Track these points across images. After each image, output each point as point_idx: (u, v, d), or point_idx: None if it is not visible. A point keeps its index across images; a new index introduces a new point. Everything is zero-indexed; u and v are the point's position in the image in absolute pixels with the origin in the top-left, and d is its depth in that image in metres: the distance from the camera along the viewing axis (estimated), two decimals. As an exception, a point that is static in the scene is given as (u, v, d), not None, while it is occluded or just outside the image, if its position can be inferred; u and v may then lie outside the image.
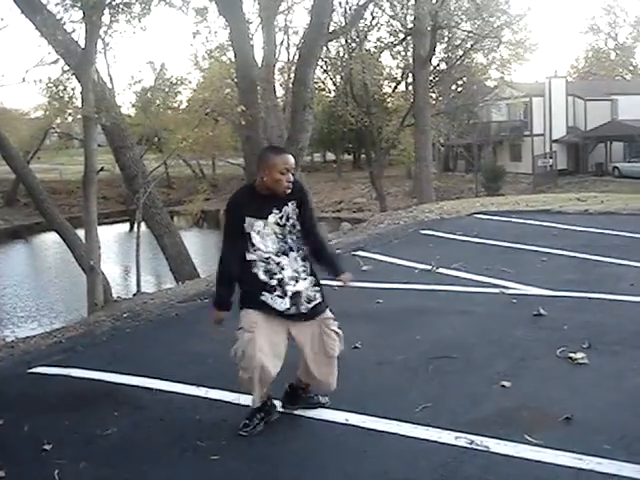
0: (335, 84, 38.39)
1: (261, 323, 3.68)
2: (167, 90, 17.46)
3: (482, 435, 3.56)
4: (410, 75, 33.06)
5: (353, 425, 3.81)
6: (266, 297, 3.70)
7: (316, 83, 27.01)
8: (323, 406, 4.02)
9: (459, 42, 32.84)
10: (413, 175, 35.82)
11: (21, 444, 3.90)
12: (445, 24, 27.35)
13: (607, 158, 41.16)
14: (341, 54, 33.73)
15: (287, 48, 29.67)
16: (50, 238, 26.83)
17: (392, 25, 32.55)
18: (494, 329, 5.54)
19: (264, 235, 3.72)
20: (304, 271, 3.81)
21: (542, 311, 5.76)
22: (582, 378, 4.36)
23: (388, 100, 39.48)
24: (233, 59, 15.55)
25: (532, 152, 41.27)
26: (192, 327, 6.29)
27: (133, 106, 21.12)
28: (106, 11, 9.63)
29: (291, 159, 3.77)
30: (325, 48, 27.37)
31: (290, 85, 21.73)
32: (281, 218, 3.76)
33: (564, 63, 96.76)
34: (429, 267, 7.89)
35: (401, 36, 32.10)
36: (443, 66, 35.79)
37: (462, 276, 7.47)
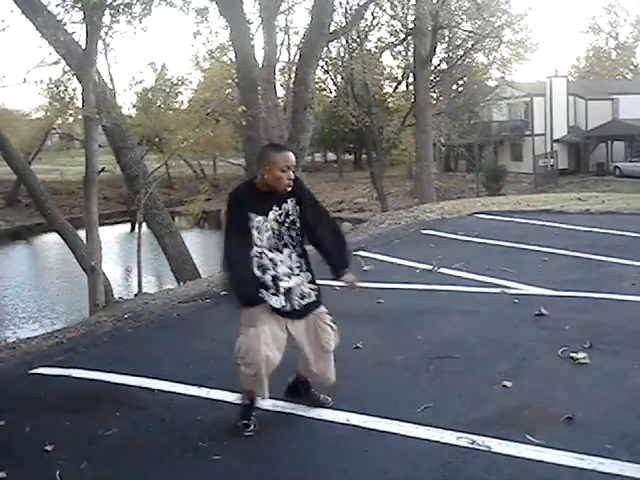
0: (336, 84, 38.42)
1: (263, 318, 3.68)
2: (168, 90, 17.51)
3: (484, 435, 3.56)
4: (411, 75, 33.09)
5: (354, 425, 3.81)
6: (263, 294, 3.70)
7: (317, 83, 26.99)
8: (324, 406, 4.02)
9: (460, 42, 32.83)
10: (414, 175, 35.85)
11: (22, 445, 3.90)
12: (446, 24, 27.34)
13: (608, 158, 41.13)
14: (342, 54, 33.74)
15: (288, 48, 29.71)
16: (51, 239, 26.85)
17: (393, 25, 32.56)
18: (495, 329, 5.53)
19: (261, 230, 3.73)
20: (298, 267, 3.82)
21: (544, 311, 5.76)
22: (584, 378, 4.36)
23: (389, 100, 39.45)
24: (234, 59, 15.58)
25: (533, 152, 41.24)
26: (193, 327, 6.30)
27: (134, 107, 21.19)
28: (107, 12, 9.64)
29: (292, 156, 3.77)
30: (326, 48, 27.35)
31: (291, 85, 21.73)
32: (280, 215, 3.77)
33: (565, 63, 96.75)
34: (430, 267, 7.88)
35: (402, 36, 32.08)
36: (444, 66, 35.77)
37: (463, 276, 7.46)
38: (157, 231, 14.26)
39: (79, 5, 9.55)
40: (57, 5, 10.61)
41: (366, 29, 32.26)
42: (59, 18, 10.86)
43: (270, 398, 3.98)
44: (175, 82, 17.42)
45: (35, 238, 36.49)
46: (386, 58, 42.29)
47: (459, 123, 37.72)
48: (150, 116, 16.01)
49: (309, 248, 3.95)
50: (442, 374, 4.53)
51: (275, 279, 3.72)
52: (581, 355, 4.65)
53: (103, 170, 10.75)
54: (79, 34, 10.98)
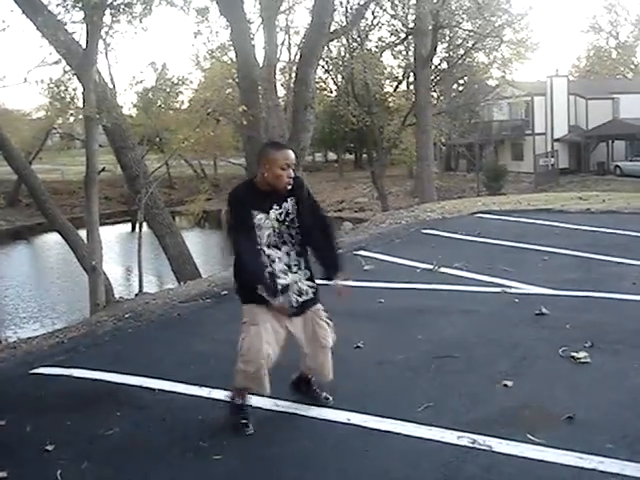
0: (336, 84, 38.43)
1: (263, 315, 3.70)
2: (168, 90, 17.48)
3: (484, 434, 3.55)
4: (411, 74, 33.11)
5: (355, 425, 3.81)
6: (261, 291, 3.71)
7: (317, 83, 26.96)
8: (325, 405, 4.02)
9: (460, 41, 32.82)
10: (415, 174, 35.87)
11: (23, 444, 3.90)
12: (446, 23, 27.33)
13: (609, 157, 41.12)
14: (342, 54, 33.76)
15: (288, 48, 29.76)
16: (52, 239, 26.85)
17: (393, 25, 32.55)
18: (496, 328, 5.53)
19: (262, 228, 3.73)
20: (296, 265, 3.83)
21: (544, 310, 5.76)
22: (584, 377, 4.35)
23: (389, 100, 39.46)
24: (234, 59, 15.59)
25: (534, 151, 41.22)
26: (194, 327, 6.30)
27: (134, 106, 21.15)
28: (107, 12, 9.63)
29: (291, 154, 3.76)
30: (326, 48, 27.37)
31: (291, 85, 21.73)
32: (281, 214, 3.77)
33: (565, 62, 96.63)
34: (431, 266, 7.88)
35: (402, 35, 32.07)
36: (444, 65, 35.77)
37: (464, 275, 7.46)
38: (158, 231, 14.27)
39: (79, 5, 9.54)
40: (57, 5, 10.61)
41: (367, 28, 32.27)
42: (59, 18, 10.86)
43: (271, 398, 3.99)
44: (176, 82, 17.38)
45: (36, 238, 36.49)
46: (387, 58, 42.41)
47: (460, 122, 37.71)
48: (151, 116, 16.00)
49: None
50: (443, 373, 4.53)
51: (272, 276, 3.71)
52: (582, 354, 4.64)
53: (104, 170, 10.75)
54: (79, 34, 11.00)
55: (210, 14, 20.16)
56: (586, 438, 3.48)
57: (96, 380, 4.86)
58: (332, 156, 57.63)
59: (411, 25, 29.04)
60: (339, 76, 36.93)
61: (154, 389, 4.55)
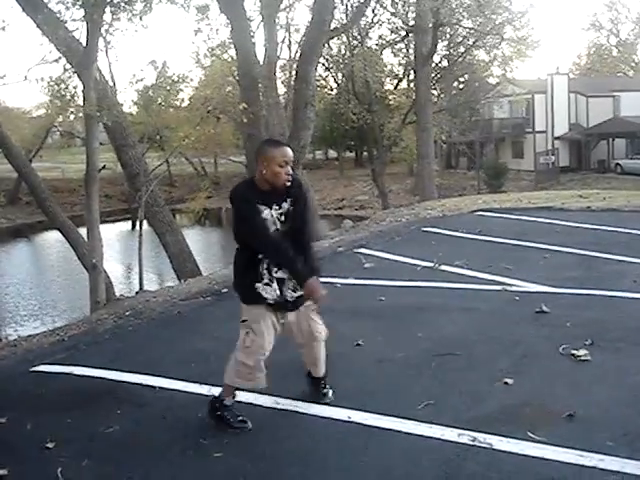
0: (337, 82, 38.41)
1: (264, 313, 3.76)
2: (169, 88, 17.50)
3: (485, 432, 3.56)
4: (412, 72, 33.07)
5: (355, 422, 3.81)
6: (258, 287, 3.73)
7: (318, 81, 26.92)
8: (326, 403, 4.03)
9: (461, 39, 32.76)
10: (415, 172, 35.85)
11: (24, 442, 3.90)
12: (447, 21, 27.26)
13: (609, 155, 41.12)
14: (343, 51, 33.73)
15: (289, 46, 29.66)
16: (52, 236, 26.85)
17: (393, 22, 32.51)
18: (496, 326, 5.53)
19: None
20: None
21: (545, 308, 5.75)
22: (585, 375, 4.35)
23: (390, 97, 39.41)
24: (235, 57, 15.58)
25: (534, 149, 41.22)
26: (194, 325, 6.30)
27: (135, 104, 21.17)
28: (107, 9, 9.62)
29: (289, 151, 3.75)
30: (327, 45, 27.36)
31: (292, 83, 21.71)
32: (281, 214, 3.77)
33: (566, 60, 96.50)
34: (431, 264, 7.88)
35: (403, 33, 32.05)
36: (445, 63, 35.76)
37: (464, 273, 7.46)
38: (158, 229, 14.26)
39: (80, 2, 9.54)
40: (58, 2, 10.62)
41: (367, 26, 32.20)
42: (60, 16, 10.86)
43: (272, 395, 4.00)
44: (176, 80, 17.41)
45: (36, 236, 36.48)
46: (387, 55, 42.45)
47: (460, 120, 37.69)
48: (151, 114, 16.02)
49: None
50: (443, 371, 4.53)
51: (269, 267, 3.74)
52: (582, 352, 4.64)
53: (104, 168, 10.73)
54: (80, 32, 10.98)
55: (210, 12, 20.17)
56: (586, 436, 3.48)
57: (96, 378, 4.87)
58: (332, 154, 57.59)
59: (411, 23, 28.98)
60: (339, 74, 36.91)
61: (154, 387, 4.55)
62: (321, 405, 4.02)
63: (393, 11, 31.23)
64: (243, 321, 3.79)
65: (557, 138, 41.90)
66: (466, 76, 38.07)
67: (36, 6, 10.68)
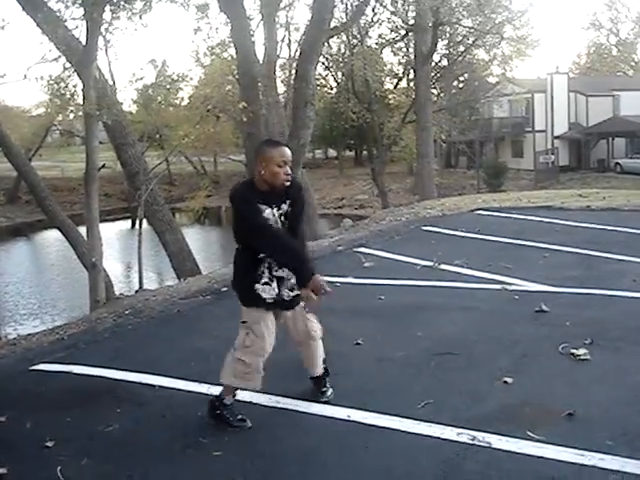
0: (336, 80, 38.43)
1: (263, 314, 3.77)
2: (168, 87, 17.48)
3: (484, 431, 3.56)
4: (411, 71, 33.08)
5: (355, 421, 3.81)
6: (258, 289, 3.74)
7: (317, 80, 26.95)
8: (328, 403, 4.03)
9: (460, 38, 32.77)
10: (415, 172, 35.86)
11: (23, 441, 3.90)
12: (446, 20, 27.27)
13: (609, 154, 41.12)
14: (342, 50, 33.70)
15: (288, 44, 29.61)
16: (52, 235, 26.83)
17: (393, 21, 32.53)
18: (496, 325, 5.53)
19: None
20: None
21: (544, 307, 5.75)
22: (584, 374, 4.36)
23: (390, 96, 39.42)
24: (234, 56, 15.56)
25: (534, 148, 41.22)
26: (194, 324, 6.30)
27: (135, 103, 21.15)
28: (107, 8, 9.62)
29: (288, 151, 3.75)
30: (326, 44, 27.35)
31: (291, 82, 21.70)
32: (281, 215, 3.78)
33: (566, 59, 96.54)
34: (431, 263, 7.88)
35: (402, 32, 32.06)
36: (445, 62, 35.76)
37: (464, 272, 7.46)
38: (158, 227, 14.27)
39: (79, 1, 9.53)
40: (57, 1, 10.62)
41: (367, 25, 32.20)
42: (59, 14, 10.85)
43: (272, 395, 3.99)
44: (175, 78, 17.37)
45: (36, 235, 36.47)
46: (387, 54, 42.40)
47: (460, 120, 37.71)
48: (151, 112, 15.99)
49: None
50: (443, 370, 4.53)
51: (270, 266, 3.75)
52: (582, 351, 4.65)
53: (104, 167, 10.71)
54: (79, 30, 10.98)
55: (210, 10, 20.18)
56: (586, 435, 3.48)
57: (96, 377, 4.87)
58: (332, 153, 57.59)
59: (411, 22, 29.00)
60: (339, 73, 36.93)
61: (154, 385, 4.55)
62: (321, 404, 4.02)
63: (393, 10, 31.25)
64: (243, 322, 3.80)
65: (557, 137, 41.91)
66: (466, 75, 38.08)
67: (36, 5, 10.67)
